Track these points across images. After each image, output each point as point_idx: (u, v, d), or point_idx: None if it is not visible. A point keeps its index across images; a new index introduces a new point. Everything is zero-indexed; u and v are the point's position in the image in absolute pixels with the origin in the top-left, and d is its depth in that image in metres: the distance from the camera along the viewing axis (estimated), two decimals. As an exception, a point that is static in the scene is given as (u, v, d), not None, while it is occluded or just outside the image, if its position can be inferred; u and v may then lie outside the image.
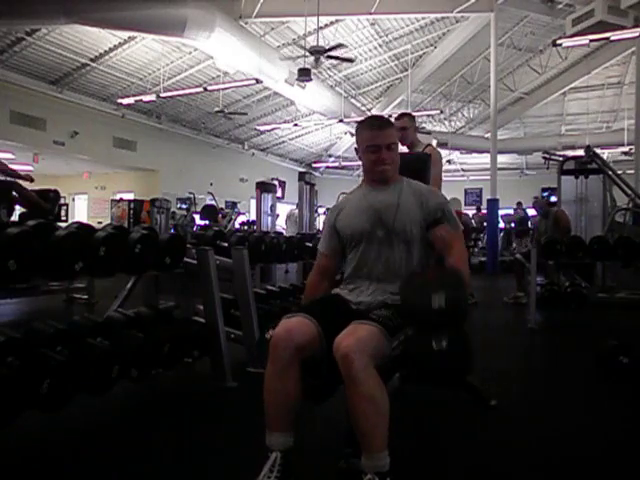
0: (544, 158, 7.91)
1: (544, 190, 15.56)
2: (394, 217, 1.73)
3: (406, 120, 3.49)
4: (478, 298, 6.10)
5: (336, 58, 10.10)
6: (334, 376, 1.62)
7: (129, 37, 10.89)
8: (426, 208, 1.75)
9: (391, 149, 1.76)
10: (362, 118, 2.06)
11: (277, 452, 1.53)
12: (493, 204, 10.86)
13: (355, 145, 1.85)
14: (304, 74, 10.10)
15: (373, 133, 1.76)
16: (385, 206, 1.76)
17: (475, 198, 19.93)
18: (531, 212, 12.66)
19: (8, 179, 4.52)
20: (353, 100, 16.03)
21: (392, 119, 2.43)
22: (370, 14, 10.41)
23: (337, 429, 1.76)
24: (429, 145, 3.49)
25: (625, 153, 15.85)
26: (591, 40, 9.30)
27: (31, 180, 4.79)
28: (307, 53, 9.59)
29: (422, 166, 2.21)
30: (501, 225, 12.11)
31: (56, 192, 5.15)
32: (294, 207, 10.33)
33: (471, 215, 13.09)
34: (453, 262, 1.66)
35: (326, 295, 1.82)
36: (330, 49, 9.39)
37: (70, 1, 7.66)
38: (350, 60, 10.83)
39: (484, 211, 12.14)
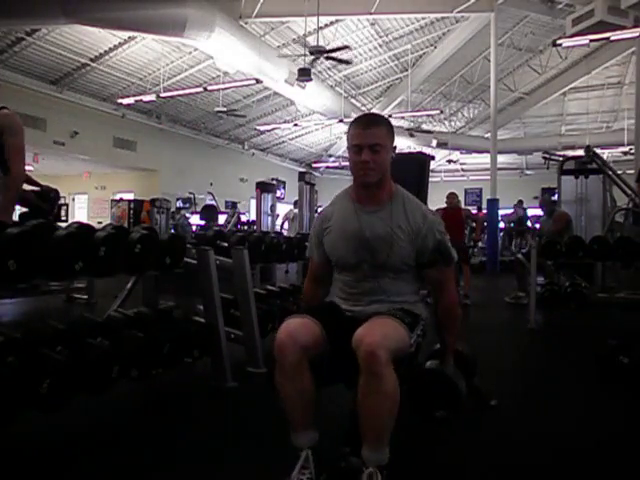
0: (544, 158, 7.93)
1: (544, 190, 15.56)
2: (386, 253, 1.65)
3: None
4: (478, 298, 6.14)
5: (334, 59, 10.07)
6: (334, 375, 1.62)
7: (129, 37, 10.89)
8: (422, 246, 1.67)
9: (375, 151, 1.59)
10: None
11: (307, 450, 1.56)
12: (493, 204, 10.87)
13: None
14: (304, 74, 10.09)
15: (357, 132, 1.62)
16: (376, 237, 1.65)
17: (475, 198, 19.92)
18: (532, 212, 12.69)
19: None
20: (353, 100, 16.03)
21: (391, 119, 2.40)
22: (370, 14, 10.42)
23: (335, 428, 1.76)
24: (3, 108, 2.52)
25: (625, 153, 15.85)
26: (591, 40, 9.29)
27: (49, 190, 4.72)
28: (307, 53, 9.58)
29: (419, 169, 2.18)
30: (501, 225, 12.10)
31: (56, 192, 5.14)
32: (292, 207, 10.33)
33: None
34: (446, 306, 1.75)
35: (321, 303, 1.84)
36: (333, 50, 9.36)
37: (70, 1, 7.66)
38: (347, 62, 10.76)
39: (484, 211, 12.13)
